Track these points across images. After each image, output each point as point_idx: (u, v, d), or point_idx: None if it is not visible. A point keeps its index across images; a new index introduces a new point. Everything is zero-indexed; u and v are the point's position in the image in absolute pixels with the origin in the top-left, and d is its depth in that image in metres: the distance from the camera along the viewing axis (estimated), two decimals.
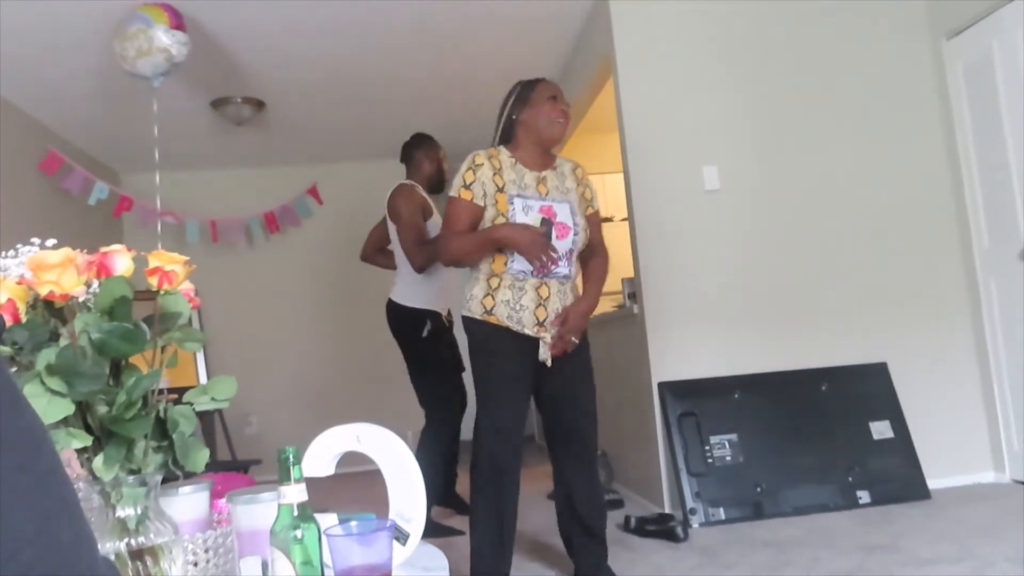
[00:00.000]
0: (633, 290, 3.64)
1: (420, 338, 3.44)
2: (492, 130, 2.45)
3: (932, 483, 3.32)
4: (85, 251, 1.06)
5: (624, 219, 3.96)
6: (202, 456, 1.08)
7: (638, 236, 3.53)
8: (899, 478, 3.28)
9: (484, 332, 2.24)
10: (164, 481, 1.11)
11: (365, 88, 4.77)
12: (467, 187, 2.26)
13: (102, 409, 0.99)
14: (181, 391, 1.27)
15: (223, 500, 1.22)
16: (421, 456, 3.64)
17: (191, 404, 1.12)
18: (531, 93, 2.34)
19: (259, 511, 1.07)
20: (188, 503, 1.17)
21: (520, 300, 2.22)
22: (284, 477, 0.92)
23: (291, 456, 0.92)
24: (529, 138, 2.33)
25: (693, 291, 3.49)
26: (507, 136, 2.38)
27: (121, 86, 4.17)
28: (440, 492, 3.54)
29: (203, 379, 5.77)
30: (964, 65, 3.54)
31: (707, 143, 3.59)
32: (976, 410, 3.55)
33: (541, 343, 2.24)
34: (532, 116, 2.31)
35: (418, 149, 3.67)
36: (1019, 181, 3.26)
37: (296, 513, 0.91)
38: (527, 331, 2.23)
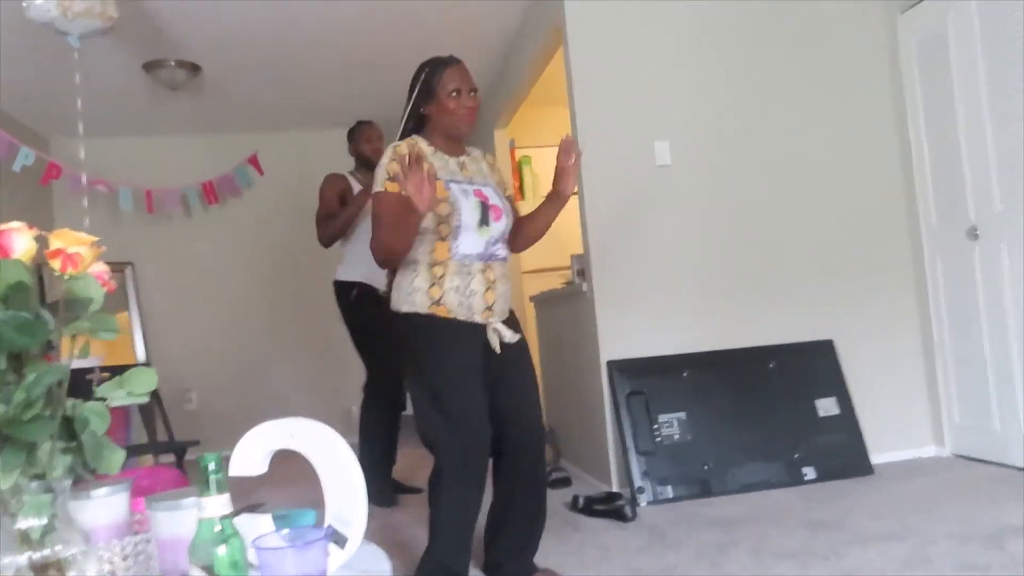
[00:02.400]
0: (582, 267, 3.59)
1: (350, 306, 3.56)
2: None
3: (875, 458, 3.38)
4: None
5: (573, 194, 3.89)
6: (117, 457, 0.98)
7: (587, 212, 3.47)
8: (844, 454, 3.33)
9: (431, 328, 2.11)
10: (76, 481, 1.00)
11: (309, 55, 4.57)
12: (392, 179, 2.10)
13: None
14: (117, 370, 1.17)
15: (145, 504, 1.11)
16: (364, 432, 3.57)
17: (104, 400, 1.01)
18: (435, 84, 2.19)
19: (181, 518, 0.97)
20: (104, 507, 1.07)
21: (469, 285, 2.12)
22: (205, 488, 0.82)
23: (212, 465, 0.82)
24: (438, 130, 2.24)
25: (643, 268, 3.45)
26: (418, 127, 2.26)
27: (45, 45, 3.90)
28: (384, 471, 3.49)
29: (140, 356, 5.55)
30: (918, 40, 3.55)
31: (659, 118, 3.53)
32: (919, 386, 3.62)
33: (489, 330, 2.15)
34: (437, 112, 2.20)
35: (351, 140, 3.80)
36: (968, 159, 3.29)
37: (218, 527, 0.82)
38: (476, 318, 2.13)
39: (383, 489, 3.40)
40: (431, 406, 2.11)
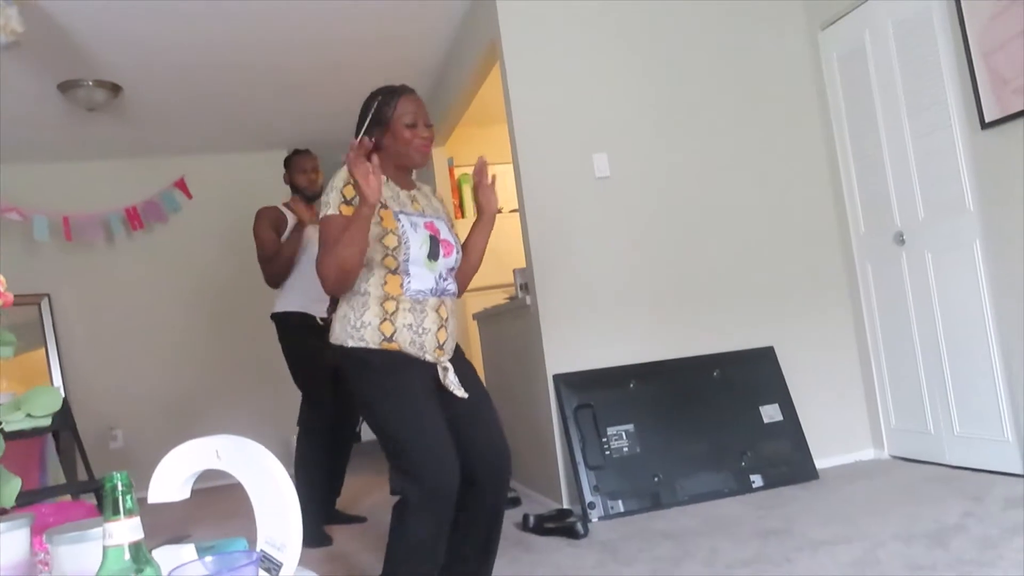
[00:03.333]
0: (525, 280, 3.54)
1: (288, 337, 3.51)
2: None
3: (818, 462, 3.40)
4: None
5: (514, 210, 3.85)
6: (11, 487, 0.87)
7: (529, 226, 3.43)
8: (789, 460, 3.34)
9: (382, 359, 1.99)
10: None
11: (237, 76, 4.43)
12: (348, 203, 1.99)
13: None
14: None
15: (44, 538, 0.99)
16: (299, 467, 3.41)
17: None
18: (389, 115, 2.10)
19: (87, 551, 0.86)
20: (1, 545, 0.95)
21: (423, 323, 2.02)
22: (111, 511, 0.72)
23: (119, 483, 0.72)
24: (390, 160, 2.13)
25: (586, 281, 3.42)
26: (369, 156, 2.14)
27: None
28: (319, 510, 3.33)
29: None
30: (838, 55, 3.65)
31: (597, 130, 3.53)
32: (856, 390, 3.68)
33: (440, 368, 2.05)
34: (391, 141, 2.10)
35: (286, 169, 3.70)
36: (892, 168, 3.38)
37: (128, 556, 0.72)
38: (427, 356, 2.03)
39: (315, 529, 3.18)
40: (393, 439, 1.98)
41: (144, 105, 4.71)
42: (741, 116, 3.72)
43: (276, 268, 3.46)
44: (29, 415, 0.94)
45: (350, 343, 2.00)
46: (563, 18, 3.55)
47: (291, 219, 3.53)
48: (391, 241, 1.99)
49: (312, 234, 3.57)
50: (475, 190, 2.20)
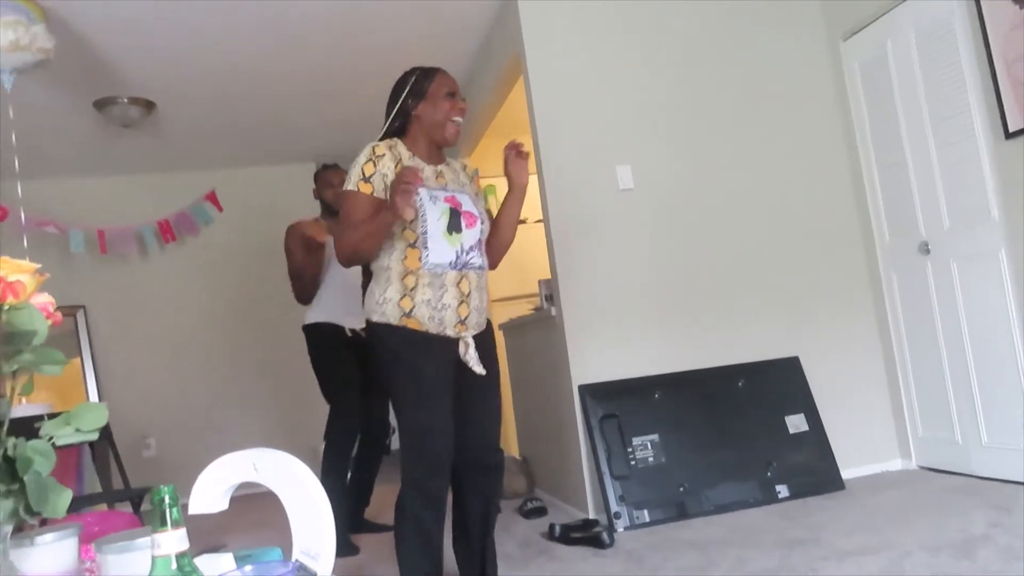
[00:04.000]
0: (550, 292, 3.57)
1: (317, 348, 3.55)
2: None
3: (844, 473, 3.39)
4: None
5: (538, 220, 3.89)
6: (63, 499, 0.92)
7: (553, 237, 3.46)
8: (815, 470, 3.33)
9: (400, 337, 2.07)
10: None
11: (267, 90, 4.53)
12: (366, 180, 2.09)
13: None
14: None
15: (93, 547, 1.05)
16: (326, 479, 3.48)
17: (50, 438, 0.95)
18: (428, 86, 2.21)
19: (134, 560, 0.91)
20: (49, 554, 1.00)
21: (442, 298, 2.07)
22: (159, 522, 0.77)
23: (167, 496, 0.77)
24: (423, 133, 2.21)
25: (610, 292, 3.45)
26: (401, 129, 2.23)
27: None
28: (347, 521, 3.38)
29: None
30: (860, 64, 3.65)
31: (620, 142, 3.56)
32: (882, 400, 3.66)
33: (461, 343, 2.11)
34: (428, 111, 2.18)
35: (316, 185, 3.76)
36: (916, 177, 3.36)
37: (175, 565, 0.77)
38: (448, 332, 2.09)
39: (342, 538, 3.26)
40: (402, 413, 2.09)
41: (176, 120, 4.83)
42: (764, 127, 3.73)
43: (303, 285, 3.53)
44: (78, 430, 0.99)
45: (374, 317, 2.10)
46: (586, 31, 3.59)
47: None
48: (408, 214, 2.03)
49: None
50: (505, 163, 2.23)
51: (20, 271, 0.89)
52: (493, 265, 2.32)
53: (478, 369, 2.10)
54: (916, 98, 3.30)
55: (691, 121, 3.66)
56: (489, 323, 2.26)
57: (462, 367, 2.11)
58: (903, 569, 2.19)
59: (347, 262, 2.14)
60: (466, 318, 2.10)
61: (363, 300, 2.21)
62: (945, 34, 3.12)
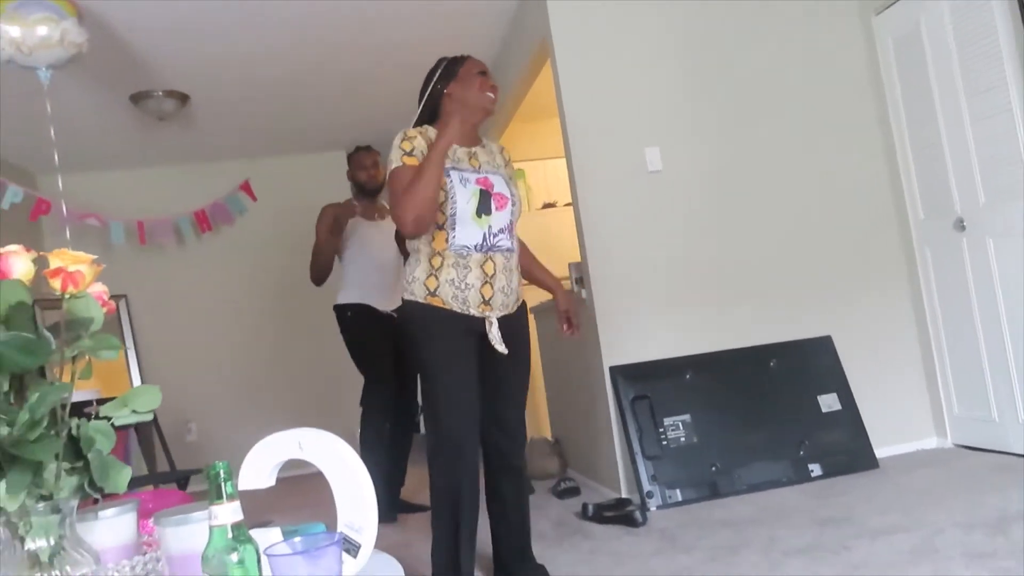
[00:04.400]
0: (580, 275, 3.60)
1: (347, 327, 3.64)
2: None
3: (878, 452, 3.38)
4: None
5: (568, 204, 3.91)
6: (123, 476, 0.98)
7: (583, 220, 3.48)
8: (848, 449, 3.32)
9: (425, 315, 2.14)
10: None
11: (295, 79, 4.60)
12: (409, 154, 2.14)
13: (2, 431, 0.88)
14: None
15: (152, 520, 1.11)
16: (363, 447, 3.59)
17: (108, 419, 1.01)
18: (459, 68, 2.27)
19: (191, 532, 0.97)
20: (111, 527, 1.07)
21: (465, 279, 2.12)
22: (215, 495, 0.82)
23: (221, 472, 0.82)
24: (455, 113, 2.23)
25: (640, 273, 3.46)
26: (433, 113, 2.29)
27: (28, 81, 3.91)
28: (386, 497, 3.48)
29: None
30: (894, 39, 3.59)
31: (648, 124, 3.56)
32: (917, 378, 3.63)
33: (487, 323, 2.16)
34: (461, 89, 2.22)
35: (349, 167, 3.85)
36: (950, 152, 3.32)
37: (231, 535, 0.82)
38: (472, 311, 2.14)
39: (382, 503, 3.36)
40: (427, 389, 2.16)
41: (210, 112, 4.92)
42: (794, 103, 3.70)
43: (316, 265, 3.62)
44: (134, 411, 1.05)
45: (405, 296, 2.18)
46: (612, 13, 3.58)
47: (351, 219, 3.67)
48: (438, 197, 2.10)
49: (367, 231, 3.69)
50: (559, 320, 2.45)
51: (79, 262, 0.95)
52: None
53: (500, 348, 2.15)
54: (950, 72, 3.25)
55: (720, 101, 3.64)
56: (524, 305, 2.30)
57: (490, 347, 2.17)
58: (935, 546, 2.20)
59: (415, 226, 2.08)
60: (490, 298, 2.14)
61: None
62: (980, 7, 3.06)
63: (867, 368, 3.55)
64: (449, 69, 2.27)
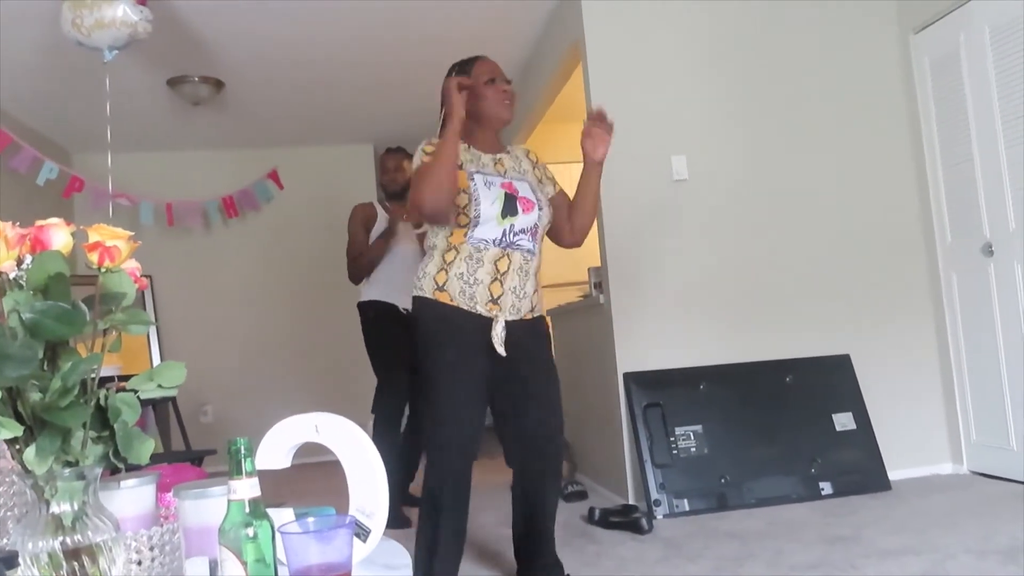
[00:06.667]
0: (599, 280, 3.61)
1: (369, 325, 3.66)
2: None
3: (892, 474, 3.35)
4: (18, 224, 0.97)
5: None
6: (147, 447, 1.00)
7: (605, 225, 3.48)
8: (860, 469, 3.30)
9: (433, 312, 2.11)
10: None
11: (329, 71, 4.65)
12: (431, 156, 2.14)
13: (35, 396, 0.91)
14: None
15: (171, 494, 1.14)
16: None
17: (135, 391, 1.04)
18: (470, 68, 2.24)
19: (208, 506, 0.99)
20: (132, 497, 1.09)
21: (475, 273, 2.08)
22: (235, 471, 0.85)
23: (242, 448, 0.85)
24: (476, 124, 2.23)
25: (660, 281, 3.46)
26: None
27: (72, 61, 3.99)
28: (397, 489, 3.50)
29: None
30: (931, 59, 3.56)
31: (676, 132, 3.56)
32: (936, 403, 3.60)
33: (494, 323, 2.09)
34: (473, 101, 2.18)
35: (377, 170, 3.87)
36: (982, 176, 3.29)
37: (248, 510, 0.84)
38: (479, 309, 2.08)
39: (395, 510, 3.36)
40: (425, 387, 2.14)
41: (243, 99, 4.99)
42: (825, 119, 3.68)
43: (358, 268, 3.64)
44: (160, 385, 1.08)
45: (414, 292, 2.16)
46: (647, 20, 3.59)
47: (381, 217, 3.69)
48: (462, 200, 2.09)
49: (398, 232, 3.73)
50: (582, 136, 2.25)
51: (116, 237, 0.97)
52: (577, 243, 2.35)
53: (500, 350, 2.07)
54: (987, 95, 3.22)
55: (750, 113, 3.63)
56: (542, 319, 2.24)
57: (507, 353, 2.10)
58: (946, 571, 2.18)
59: (432, 210, 2.07)
60: (499, 297, 2.08)
61: None
62: (1020, 30, 3.03)
63: (885, 389, 3.53)
64: (462, 70, 2.25)
